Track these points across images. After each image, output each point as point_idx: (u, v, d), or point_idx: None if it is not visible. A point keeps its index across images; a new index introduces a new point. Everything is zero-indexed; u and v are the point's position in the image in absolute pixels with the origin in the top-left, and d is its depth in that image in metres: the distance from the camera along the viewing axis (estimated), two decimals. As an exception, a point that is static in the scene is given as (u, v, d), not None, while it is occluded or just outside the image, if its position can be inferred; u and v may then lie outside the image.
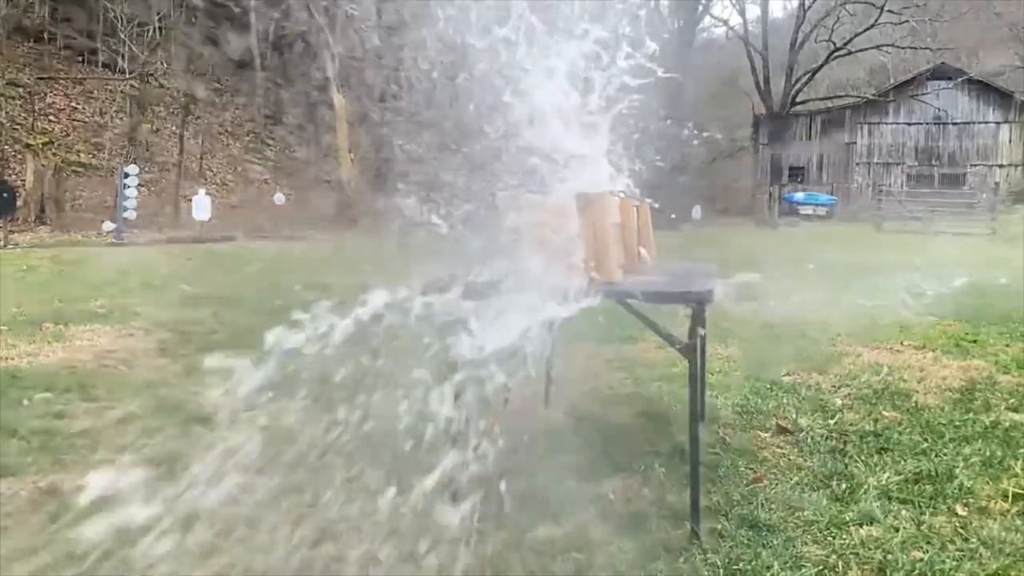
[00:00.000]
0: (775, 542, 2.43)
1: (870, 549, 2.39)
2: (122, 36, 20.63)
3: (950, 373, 4.70)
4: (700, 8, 34.68)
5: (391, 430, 2.45)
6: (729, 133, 39.77)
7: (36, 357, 4.70)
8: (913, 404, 4.03)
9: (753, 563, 2.29)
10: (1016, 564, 2.32)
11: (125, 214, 13.67)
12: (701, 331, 2.63)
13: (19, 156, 17.28)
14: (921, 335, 5.94)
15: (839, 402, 4.06)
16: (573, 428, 3.60)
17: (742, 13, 36.76)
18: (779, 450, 3.32)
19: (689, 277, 3.05)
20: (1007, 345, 5.55)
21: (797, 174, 38.45)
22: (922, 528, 2.55)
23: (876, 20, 31.80)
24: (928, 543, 2.44)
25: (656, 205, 3.51)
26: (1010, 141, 36.28)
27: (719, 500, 2.74)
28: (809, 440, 3.45)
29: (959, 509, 2.69)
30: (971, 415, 3.81)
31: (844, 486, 2.88)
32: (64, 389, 4.00)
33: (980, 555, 2.37)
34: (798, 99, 35.44)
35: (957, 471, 3.02)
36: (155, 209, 18.38)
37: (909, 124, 37.42)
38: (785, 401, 4.09)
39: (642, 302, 2.57)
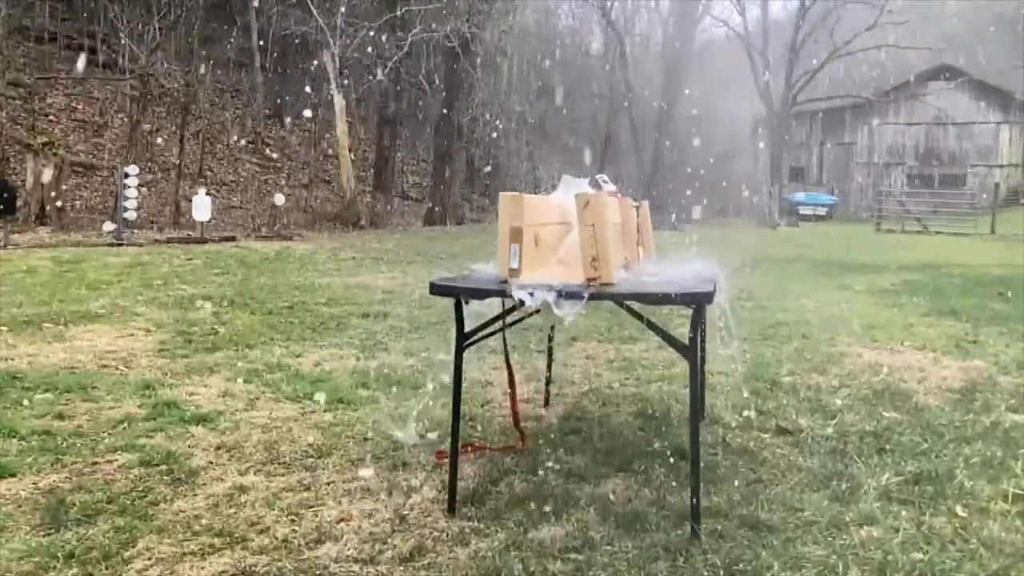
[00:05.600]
0: (775, 543, 2.43)
1: (870, 550, 2.39)
2: (122, 36, 20.61)
3: (950, 374, 4.71)
4: (700, 8, 34.71)
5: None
6: (729, 133, 39.82)
7: (36, 357, 4.69)
8: (913, 405, 4.03)
9: (753, 563, 2.29)
10: (1016, 565, 2.32)
11: (125, 214, 13.65)
12: (700, 331, 2.63)
13: (19, 156, 17.27)
14: (921, 335, 5.94)
15: (839, 403, 4.06)
16: (573, 428, 3.60)
17: (742, 13, 36.77)
18: (779, 451, 3.32)
19: (689, 277, 3.05)
20: (1007, 345, 5.55)
21: (797, 174, 38.49)
22: (922, 529, 2.54)
23: (876, 20, 31.81)
24: (928, 544, 2.44)
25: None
26: (1010, 141, 36.30)
27: (719, 500, 2.74)
28: (809, 441, 3.45)
29: (959, 510, 2.69)
30: (971, 416, 3.81)
31: (844, 487, 2.88)
32: (64, 389, 4.00)
33: (980, 556, 2.37)
34: (798, 99, 35.43)
35: (957, 472, 3.02)
36: (155, 209, 18.37)
37: (909, 124, 37.45)
38: (785, 401, 4.09)
39: (642, 303, 2.57)
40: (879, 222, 27.25)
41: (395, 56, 22.00)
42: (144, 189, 16.60)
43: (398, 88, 24.80)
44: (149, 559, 2.30)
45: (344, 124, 21.50)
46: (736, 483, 2.92)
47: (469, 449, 3.23)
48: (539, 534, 2.48)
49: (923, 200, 29.55)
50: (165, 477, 2.92)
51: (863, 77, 37.34)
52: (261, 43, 26.98)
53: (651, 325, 2.60)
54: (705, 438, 3.36)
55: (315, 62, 22.82)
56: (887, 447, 3.34)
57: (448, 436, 2.80)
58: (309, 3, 20.78)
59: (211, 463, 3.08)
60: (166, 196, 19.09)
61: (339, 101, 21.22)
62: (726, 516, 2.62)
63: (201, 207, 14.70)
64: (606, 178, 3.25)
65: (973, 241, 20.67)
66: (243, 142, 24.27)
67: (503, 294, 2.51)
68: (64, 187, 16.50)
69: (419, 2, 21.95)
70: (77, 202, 17.56)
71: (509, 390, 3.33)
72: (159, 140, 20.89)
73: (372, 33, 21.55)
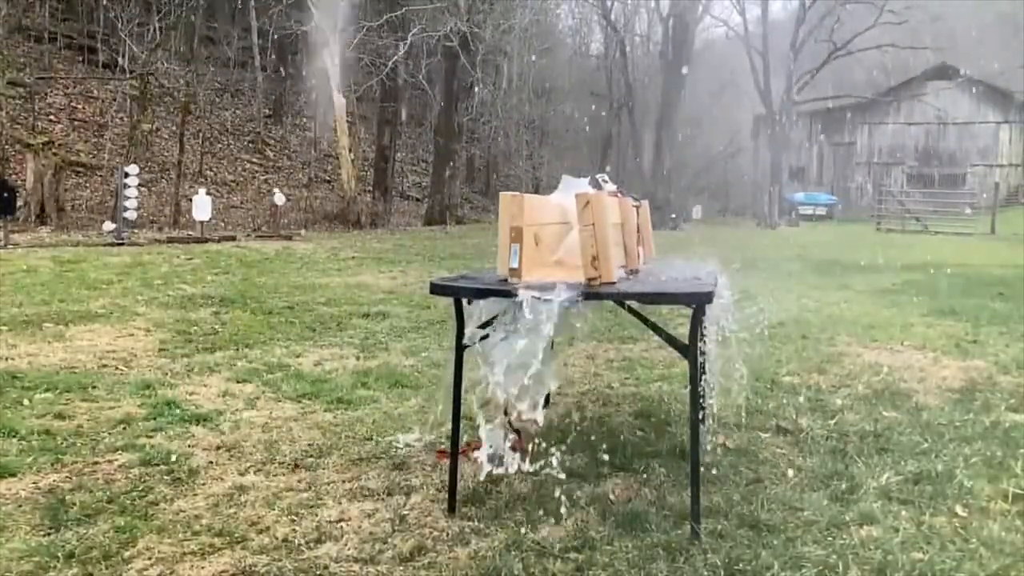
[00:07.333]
0: (775, 542, 2.43)
1: (870, 549, 2.39)
2: (122, 36, 20.61)
3: (950, 373, 4.71)
4: (700, 8, 34.68)
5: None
6: (729, 133, 39.84)
7: (36, 357, 4.69)
8: (913, 404, 4.03)
9: (753, 563, 2.29)
10: (1016, 564, 2.32)
11: (125, 214, 13.65)
12: (701, 331, 2.63)
13: (19, 156, 17.25)
14: (921, 335, 5.94)
15: (839, 402, 4.06)
16: (573, 427, 3.60)
17: (742, 13, 36.75)
18: (779, 450, 3.32)
19: (689, 277, 3.05)
20: (1007, 345, 5.55)
21: (797, 174, 38.49)
22: (922, 528, 2.54)
23: (876, 20, 31.81)
24: (928, 544, 2.44)
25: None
26: (1010, 141, 36.31)
27: (719, 500, 2.74)
28: (809, 440, 3.45)
29: (959, 510, 2.69)
30: (971, 415, 3.81)
31: (844, 486, 2.88)
32: (64, 389, 4.00)
33: (980, 555, 2.37)
34: (798, 99, 35.42)
35: (957, 471, 3.02)
36: (155, 209, 18.37)
37: (909, 124, 37.45)
38: (785, 401, 4.09)
39: (642, 303, 2.57)
40: (879, 222, 27.27)
41: (395, 56, 21.99)
42: (144, 189, 16.60)
43: (398, 88, 24.79)
44: (149, 559, 2.30)
45: (344, 124, 21.49)
46: (736, 483, 2.92)
47: (470, 448, 3.23)
48: (539, 534, 2.48)
49: (923, 200, 29.55)
50: (165, 477, 2.93)
51: (863, 77, 37.34)
52: (261, 43, 26.99)
53: (651, 325, 2.60)
54: (705, 438, 3.36)
55: (315, 62, 22.80)
56: (887, 447, 3.35)
57: (448, 436, 2.80)
58: (309, 3, 20.77)
59: (211, 463, 3.08)
60: (166, 196, 19.09)
61: (339, 101, 21.20)
62: (726, 516, 2.62)
63: (201, 207, 14.70)
64: (606, 178, 3.25)
65: (973, 241, 20.67)
66: (242, 141, 24.25)
67: (503, 294, 2.51)
68: (64, 187, 16.49)
69: (419, 2, 21.94)
70: (77, 202, 17.56)
71: None
72: (159, 140, 20.90)
73: (372, 33, 21.55)
